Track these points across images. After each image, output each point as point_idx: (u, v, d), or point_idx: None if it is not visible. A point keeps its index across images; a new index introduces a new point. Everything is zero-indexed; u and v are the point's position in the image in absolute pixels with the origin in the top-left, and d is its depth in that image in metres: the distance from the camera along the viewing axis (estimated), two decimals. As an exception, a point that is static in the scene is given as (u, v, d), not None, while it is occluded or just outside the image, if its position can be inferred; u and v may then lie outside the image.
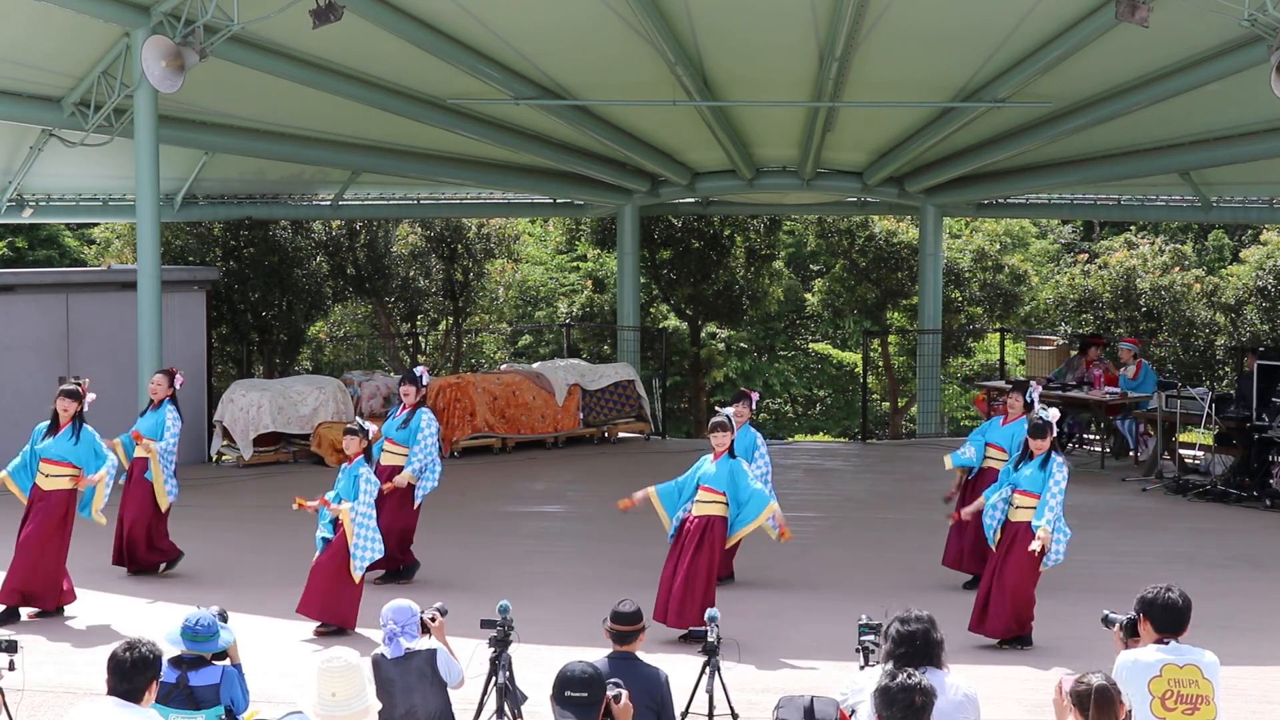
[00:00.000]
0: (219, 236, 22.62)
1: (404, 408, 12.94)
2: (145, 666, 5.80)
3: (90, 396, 11.67)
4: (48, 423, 11.59)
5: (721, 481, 11.00)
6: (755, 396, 12.99)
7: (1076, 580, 12.63)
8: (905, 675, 5.31)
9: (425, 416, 12.82)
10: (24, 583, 11.32)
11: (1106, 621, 6.85)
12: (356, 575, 11.01)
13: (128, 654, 5.80)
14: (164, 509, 12.84)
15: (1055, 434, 10.96)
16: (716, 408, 13.19)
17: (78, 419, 11.51)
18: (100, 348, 18.19)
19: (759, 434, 12.82)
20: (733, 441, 11.17)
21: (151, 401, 13.02)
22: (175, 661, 6.81)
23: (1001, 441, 12.69)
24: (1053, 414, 11.12)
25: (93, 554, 13.08)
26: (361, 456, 11.26)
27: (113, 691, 5.78)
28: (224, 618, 7.34)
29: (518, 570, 13.30)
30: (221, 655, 7.05)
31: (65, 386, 11.61)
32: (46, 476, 11.46)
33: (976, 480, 12.73)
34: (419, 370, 13.18)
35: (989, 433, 12.96)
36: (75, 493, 11.53)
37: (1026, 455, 11.05)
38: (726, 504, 11.05)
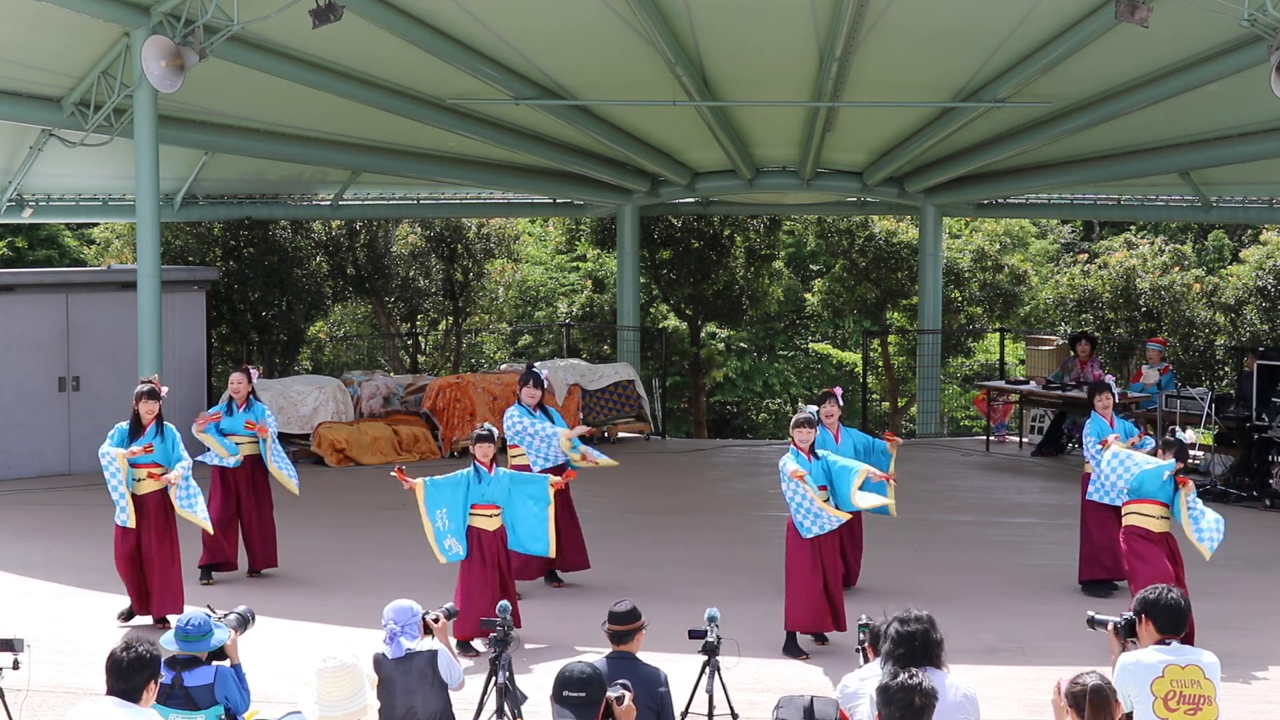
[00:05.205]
0: (219, 236, 22.63)
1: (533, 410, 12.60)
2: (142, 666, 5.81)
3: (164, 390, 11.62)
4: (127, 424, 11.39)
5: (817, 478, 10.89)
6: (839, 392, 12.75)
7: (1078, 580, 12.67)
8: (907, 675, 5.30)
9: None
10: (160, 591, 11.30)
11: (1092, 622, 6.86)
12: None
13: (125, 654, 5.82)
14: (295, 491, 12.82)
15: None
16: (803, 404, 13.05)
17: (159, 418, 11.43)
18: (100, 348, 18.19)
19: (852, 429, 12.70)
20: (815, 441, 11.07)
21: (234, 401, 12.93)
22: (170, 662, 6.83)
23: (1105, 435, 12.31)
24: (1189, 435, 10.88)
25: (94, 553, 13.08)
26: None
27: (111, 691, 5.79)
28: (247, 620, 7.33)
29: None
30: (220, 655, 7.06)
31: (143, 389, 11.43)
32: (139, 481, 11.32)
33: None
34: (541, 370, 12.89)
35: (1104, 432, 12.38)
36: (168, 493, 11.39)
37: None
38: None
